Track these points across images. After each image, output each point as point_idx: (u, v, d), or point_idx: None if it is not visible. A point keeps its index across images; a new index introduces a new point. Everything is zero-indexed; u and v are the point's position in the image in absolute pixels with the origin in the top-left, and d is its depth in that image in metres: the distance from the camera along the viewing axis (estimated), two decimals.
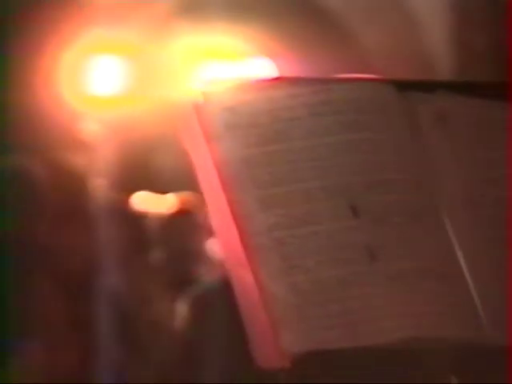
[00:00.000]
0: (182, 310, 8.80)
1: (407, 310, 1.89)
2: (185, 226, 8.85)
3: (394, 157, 2.01)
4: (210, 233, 6.26)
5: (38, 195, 8.51)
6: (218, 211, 1.96)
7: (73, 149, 8.69)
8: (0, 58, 9.64)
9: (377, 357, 2.00)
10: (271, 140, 1.99)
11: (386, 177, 1.99)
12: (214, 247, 8.24)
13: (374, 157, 2.00)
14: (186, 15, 10.77)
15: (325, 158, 1.99)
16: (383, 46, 11.88)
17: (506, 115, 2.11)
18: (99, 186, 9.21)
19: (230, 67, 8.43)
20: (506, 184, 2.02)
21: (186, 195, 8.50)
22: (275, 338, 1.86)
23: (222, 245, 1.95)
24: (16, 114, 9.55)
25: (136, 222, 9.19)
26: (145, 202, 8.87)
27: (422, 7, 12.25)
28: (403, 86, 2.12)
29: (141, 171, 9.33)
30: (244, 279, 1.91)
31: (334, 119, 2.03)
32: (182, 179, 6.48)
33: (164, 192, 8.94)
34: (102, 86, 9.29)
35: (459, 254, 1.96)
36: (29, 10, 9.83)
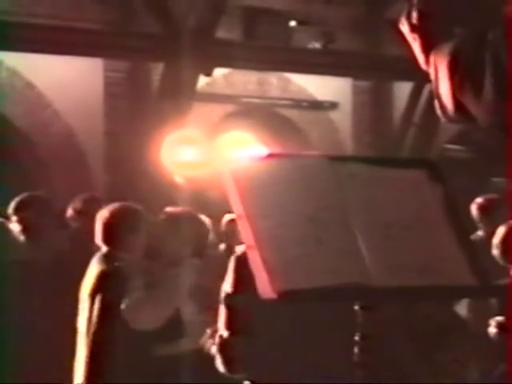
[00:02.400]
0: None
1: (336, 268, 1.89)
2: None
3: (329, 195, 2.01)
4: None
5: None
6: (242, 223, 1.95)
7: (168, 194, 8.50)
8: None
9: (326, 297, 2.00)
10: (270, 185, 1.99)
11: (325, 204, 1.98)
12: None
13: (319, 194, 2.00)
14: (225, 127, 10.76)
15: (296, 193, 1.99)
16: (320, 139, 11.82)
17: (388, 174, 2.10)
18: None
19: (247, 151, 8.41)
20: (386, 207, 2.02)
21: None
22: (269, 282, 1.85)
23: (244, 238, 1.94)
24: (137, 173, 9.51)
25: None
26: None
27: (341, 121, 12.18)
28: (332, 158, 2.12)
29: None
30: (254, 254, 1.90)
31: (302, 175, 2.03)
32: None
33: None
34: (186, 157, 9.28)
35: (359, 240, 1.95)
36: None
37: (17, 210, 5.30)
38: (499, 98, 1.86)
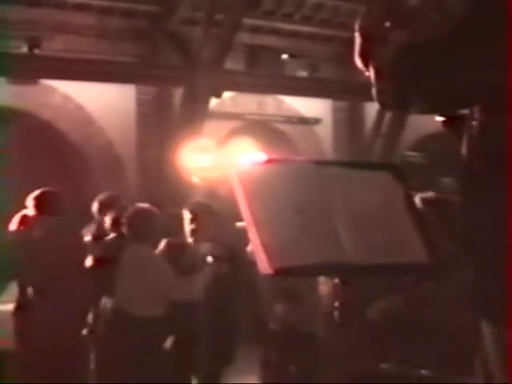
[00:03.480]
0: None
1: (320, 249, 1.86)
2: None
3: (315, 191, 1.98)
4: None
5: None
6: (245, 213, 1.92)
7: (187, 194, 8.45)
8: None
9: (312, 272, 1.97)
10: (268, 184, 1.96)
11: (312, 199, 1.96)
12: None
13: (307, 191, 1.97)
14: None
15: (289, 190, 1.96)
16: (307, 147, 11.78)
17: (361, 175, 2.08)
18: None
19: (250, 157, 8.38)
20: (360, 201, 1.99)
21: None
22: (267, 261, 1.83)
23: (247, 226, 1.91)
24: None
25: None
26: None
27: (323, 134, 12.12)
28: (317, 163, 2.09)
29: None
30: (255, 239, 1.88)
31: (293, 176, 2.00)
32: None
33: None
34: (201, 162, 9.22)
35: (339, 227, 1.93)
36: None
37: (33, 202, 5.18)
38: (442, 97, 1.78)
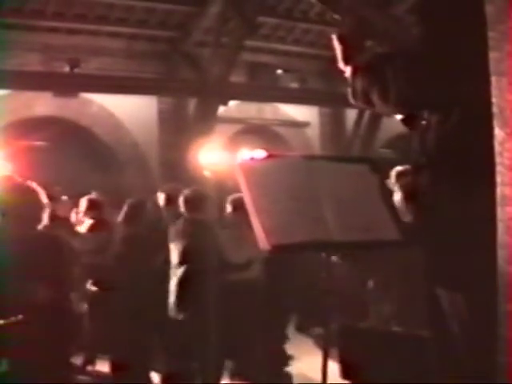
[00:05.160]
0: None
1: (309, 229, 1.83)
2: None
3: (305, 181, 1.95)
4: None
5: None
6: (247, 200, 1.89)
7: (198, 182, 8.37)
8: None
9: (303, 248, 1.94)
10: (267, 175, 1.93)
11: (302, 187, 1.93)
12: None
13: (298, 180, 1.94)
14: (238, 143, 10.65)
15: (284, 180, 1.93)
16: (299, 146, 11.73)
17: (343, 167, 2.05)
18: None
19: (252, 153, 8.29)
20: (342, 188, 1.96)
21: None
22: (266, 239, 1.80)
23: (248, 210, 1.88)
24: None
25: None
26: None
27: (312, 134, 12.06)
28: (307, 157, 2.06)
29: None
30: (255, 220, 1.85)
31: (288, 168, 1.97)
32: None
33: None
34: (212, 159, 9.15)
35: (325, 211, 1.90)
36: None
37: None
38: (400, 100, 1.76)
